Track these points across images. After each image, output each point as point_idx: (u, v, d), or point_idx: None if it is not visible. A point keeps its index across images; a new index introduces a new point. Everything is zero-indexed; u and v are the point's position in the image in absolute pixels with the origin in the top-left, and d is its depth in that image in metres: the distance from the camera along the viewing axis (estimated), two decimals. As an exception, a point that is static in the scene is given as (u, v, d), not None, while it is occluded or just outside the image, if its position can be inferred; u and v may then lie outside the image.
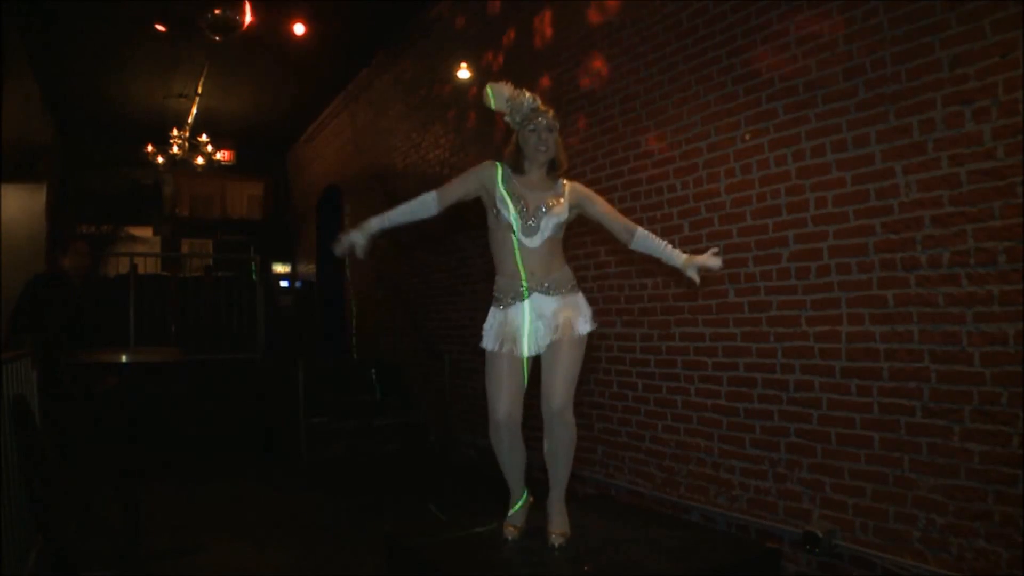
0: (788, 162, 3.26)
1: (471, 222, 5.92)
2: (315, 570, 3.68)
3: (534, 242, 2.32)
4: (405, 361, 7.30)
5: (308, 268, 11.69)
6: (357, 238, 2.29)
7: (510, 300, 2.36)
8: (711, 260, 2.35)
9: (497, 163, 2.41)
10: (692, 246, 3.74)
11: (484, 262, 5.42)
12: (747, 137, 3.46)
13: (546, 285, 2.34)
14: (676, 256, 2.41)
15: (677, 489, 3.81)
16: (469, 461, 5.79)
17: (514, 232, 2.32)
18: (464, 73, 5.95)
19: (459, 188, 2.40)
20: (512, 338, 2.33)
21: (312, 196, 11.00)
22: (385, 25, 6.96)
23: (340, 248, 2.32)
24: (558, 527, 2.40)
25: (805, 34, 3.17)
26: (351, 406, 6.78)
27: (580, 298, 2.42)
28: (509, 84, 2.41)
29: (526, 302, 2.34)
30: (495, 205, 2.34)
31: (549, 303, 2.34)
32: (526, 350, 2.33)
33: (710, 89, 3.64)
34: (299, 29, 6.39)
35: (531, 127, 2.33)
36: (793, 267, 3.24)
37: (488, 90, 2.39)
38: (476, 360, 5.90)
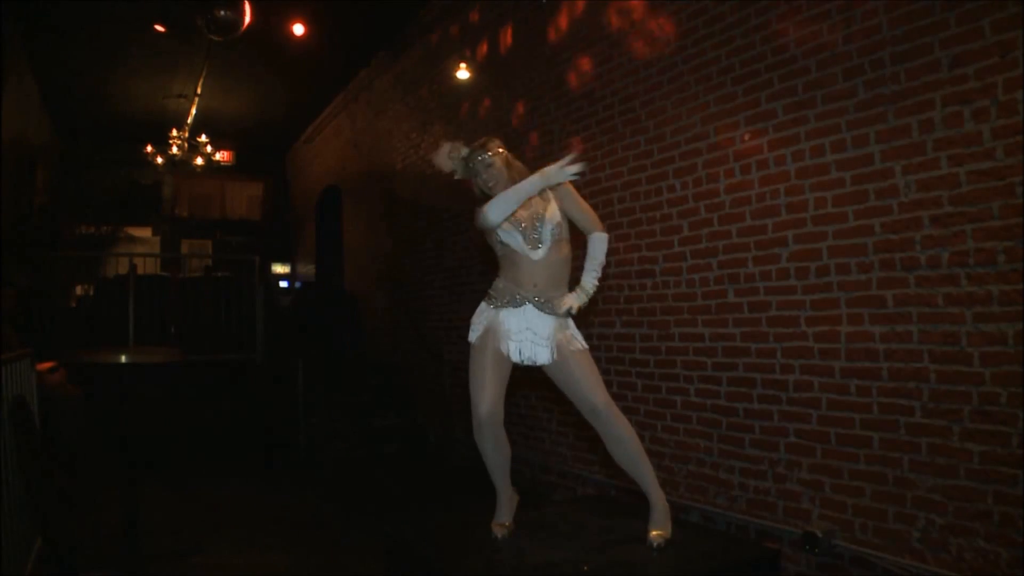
0: (787, 162, 3.26)
1: (472, 221, 5.93)
2: (314, 571, 3.68)
3: (539, 253, 2.34)
4: (405, 362, 7.30)
5: (307, 268, 11.69)
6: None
7: (504, 303, 2.36)
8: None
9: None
10: (692, 246, 3.75)
11: (484, 262, 5.43)
12: (746, 137, 3.46)
13: (543, 301, 2.33)
14: (590, 273, 2.39)
15: (677, 489, 3.81)
16: (468, 462, 5.78)
17: (519, 250, 2.34)
18: (464, 73, 5.95)
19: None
20: (498, 336, 2.33)
21: (311, 196, 11.00)
22: (385, 25, 6.97)
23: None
24: (655, 527, 2.36)
25: (804, 34, 3.17)
26: (351, 407, 6.78)
27: (571, 323, 2.41)
28: (440, 150, 2.44)
29: (520, 309, 2.34)
30: (500, 240, 2.37)
31: (544, 321, 2.34)
32: (513, 354, 2.34)
33: (709, 89, 3.64)
34: (298, 30, 6.39)
35: (474, 172, 2.40)
36: (792, 267, 3.24)
37: (444, 166, 2.44)
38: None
